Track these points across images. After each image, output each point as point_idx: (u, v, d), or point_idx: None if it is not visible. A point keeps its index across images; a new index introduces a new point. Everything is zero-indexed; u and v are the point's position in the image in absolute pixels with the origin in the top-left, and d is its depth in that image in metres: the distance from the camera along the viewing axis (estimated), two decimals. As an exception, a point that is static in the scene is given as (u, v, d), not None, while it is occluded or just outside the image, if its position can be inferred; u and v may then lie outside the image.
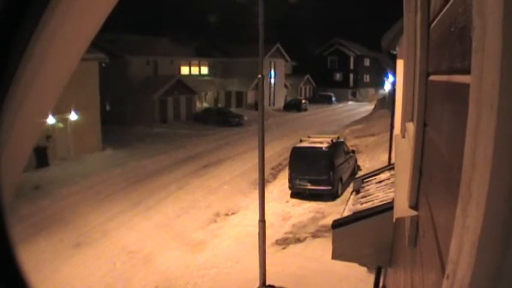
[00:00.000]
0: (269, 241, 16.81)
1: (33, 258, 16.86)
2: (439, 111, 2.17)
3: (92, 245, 18.57)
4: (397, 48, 14.68)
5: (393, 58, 15.71)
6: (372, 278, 9.29)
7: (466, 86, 1.23)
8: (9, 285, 1.52)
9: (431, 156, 2.39)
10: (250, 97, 65.33)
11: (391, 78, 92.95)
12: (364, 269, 13.57)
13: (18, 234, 16.31)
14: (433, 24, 2.72)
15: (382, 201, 7.02)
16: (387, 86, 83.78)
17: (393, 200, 4.97)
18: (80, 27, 1.99)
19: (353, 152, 28.54)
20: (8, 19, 1.66)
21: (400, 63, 12.22)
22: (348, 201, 9.09)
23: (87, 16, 1.99)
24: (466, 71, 1.29)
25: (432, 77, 2.68)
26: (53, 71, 2.00)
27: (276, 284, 15.01)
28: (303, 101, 73.71)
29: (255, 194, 18.60)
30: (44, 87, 2.01)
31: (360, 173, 25.19)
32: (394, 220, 3.69)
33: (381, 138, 34.06)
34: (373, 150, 33.54)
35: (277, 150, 34.16)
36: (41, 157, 28.94)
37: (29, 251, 17.41)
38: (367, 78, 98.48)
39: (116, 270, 16.53)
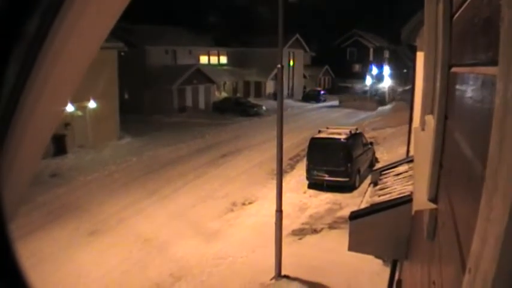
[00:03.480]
0: (285, 231, 16.82)
1: (49, 246, 17.02)
2: (462, 103, 2.15)
3: (108, 232, 18.68)
4: (417, 40, 14.57)
5: (413, 50, 15.56)
6: (387, 271, 9.26)
7: (492, 78, 1.21)
8: (9, 285, 1.51)
9: (453, 149, 2.37)
10: (269, 87, 65.33)
11: (375, 70, 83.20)
12: (379, 262, 13.54)
13: (35, 221, 16.68)
14: (456, 16, 2.69)
15: (400, 193, 6.98)
16: (369, 81, 74.42)
17: (411, 193, 4.95)
18: (99, 16, 1.99)
19: (371, 144, 28.44)
20: (26, 8, 1.66)
21: (420, 56, 12.13)
22: (365, 193, 9.06)
23: (107, 5, 1.99)
24: (492, 62, 1.27)
25: (454, 69, 2.65)
26: (73, 60, 2.01)
27: (291, 275, 15.02)
28: (322, 92, 73.26)
29: (272, 184, 18.62)
30: (64, 76, 2.01)
31: (378, 165, 25.09)
32: (412, 213, 3.68)
33: (399, 131, 33.86)
34: (391, 142, 33.40)
35: (296, 140, 34.07)
36: (59, 145, 29.12)
37: (44, 238, 17.61)
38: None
39: (131, 258, 16.62)
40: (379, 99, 67.61)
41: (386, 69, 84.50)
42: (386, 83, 77.90)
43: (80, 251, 17.03)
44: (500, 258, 0.91)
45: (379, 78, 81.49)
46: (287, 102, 51.65)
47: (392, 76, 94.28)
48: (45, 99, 1.93)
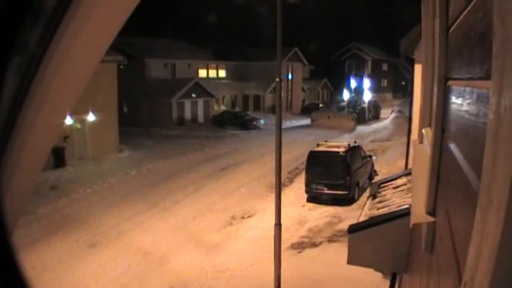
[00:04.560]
0: (285, 245, 16.79)
1: (49, 258, 17.01)
2: (458, 116, 2.15)
3: (108, 245, 18.63)
4: (415, 53, 14.63)
5: (411, 63, 15.60)
6: (387, 283, 9.24)
7: (486, 91, 1.22)
8: (9, 286, 1.52)
9: (450, 162, 2.37)
10: (268, 100, 65.29)
11: (353, 83, 76.24)
12: (379, 275, 13.49)
13: (35, 233, 16.63)
14: (451, 29, 2.70)
15: (398, 206, 6.98)
16: (346, 95, 67.24)
17: (410, 205, 4.96)
18: (99, 30, 2.00)
19: (370, 156, 28.42)
20: (28, 20, 1.67)
21: (418, 68, 12.18)
22: (364, 206, 9.06)
23: (107, 18, 2.01)
24: (486, 76, 1.28)
25: (451, 82, 2.66)
26: (73, 73, 2.02)
27: (290, 288, 14.98)
28: (320, 105, 72.66)
29: (272, 198, 18.58)
30: (64, 89, 2.02)
31: (377, 178, 25.08)
32: (410, 226, 3.68)
33: (398, 143, 33.89)
34: (390, 155, 33.40)
35: (295, 154, 34.02)
36: (58, 157, 29.12)
37: (44, 250, 17.59)
38: (384, 82, 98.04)
39: (131, 270, 16.57)
40: (357, 116, 57.07)
41: (367, 82, 75.87)
42: (366, 97, 68.58)
43: (80, 263, 16.99)
44: (494, 272, 0.91)
45: (358, 91, 74.54)
46: (285, 115, 51.39)
47: (391, 89, 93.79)
48: (46, 111, 1.94)
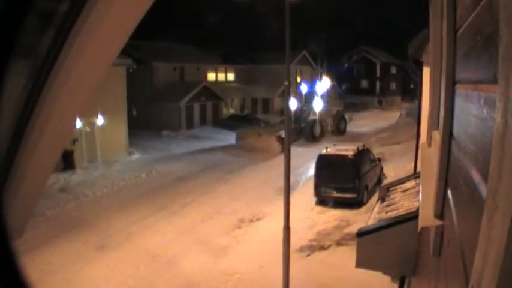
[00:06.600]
0: (293, 248, 16.71)
1: (57, 260, 17.04)
2: (465, 120, 2.15)
3: (116, 247, 18.64)
4: (423, 56, 14.58)
5: (420, 65, 15.55)
6: (395, 287, 9.22)
7: (493, 96, 1.22)
8: (9, 286, 1.53)
9: (458, 165, 2.36)
10: (277, 104, 65.17)
11: (304, 87, 57.29)
12: (387, 278, 13.43)
13: (43, 235, 16.64)
14: (459, 32, 2.69)
15: (407, 210, 6.97)
16: (293, 104, 41.68)
17: (418, 209, 4.94)
18: (111, 34, 2.01)
19: (379, 160, 28.33)
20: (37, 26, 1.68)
21: (426, 71, 12.14)
22: (373, 209, 9.05)
23: (119, 24, 2.01)
24: (493, 80, 1.27)
25: (459, 85, 2.65)
26: (84, 77, 2.03)
27: (299, 292, 14.94)
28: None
29: (280, 201, 18.54)
30: (74, 93, 2.03)
31: (386, 181, 25.00)
32: (419, 229, 3.66)
33: (407, 147, 33.74)
34: (399, 158, 33.27)
35: (303, 157, 33.96)
36: (67, 160, 29.18)
37: (52, 252, 17.62)
38: (393, 86, 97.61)
39: (139, 273, 16.57)
40: (298, 132, 43.70)
41: (321, 86, 54.63)
42: (317, 105, 48.13)
43: (88, 265, 17.01)
44: (500, 276, 0.91)
45: (309, 98, 53.51)
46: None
47: (400, 92, 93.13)
48: (57, 115, 1.96)
